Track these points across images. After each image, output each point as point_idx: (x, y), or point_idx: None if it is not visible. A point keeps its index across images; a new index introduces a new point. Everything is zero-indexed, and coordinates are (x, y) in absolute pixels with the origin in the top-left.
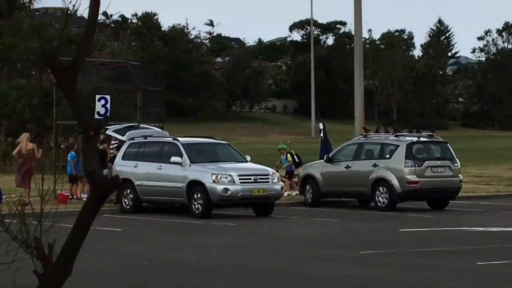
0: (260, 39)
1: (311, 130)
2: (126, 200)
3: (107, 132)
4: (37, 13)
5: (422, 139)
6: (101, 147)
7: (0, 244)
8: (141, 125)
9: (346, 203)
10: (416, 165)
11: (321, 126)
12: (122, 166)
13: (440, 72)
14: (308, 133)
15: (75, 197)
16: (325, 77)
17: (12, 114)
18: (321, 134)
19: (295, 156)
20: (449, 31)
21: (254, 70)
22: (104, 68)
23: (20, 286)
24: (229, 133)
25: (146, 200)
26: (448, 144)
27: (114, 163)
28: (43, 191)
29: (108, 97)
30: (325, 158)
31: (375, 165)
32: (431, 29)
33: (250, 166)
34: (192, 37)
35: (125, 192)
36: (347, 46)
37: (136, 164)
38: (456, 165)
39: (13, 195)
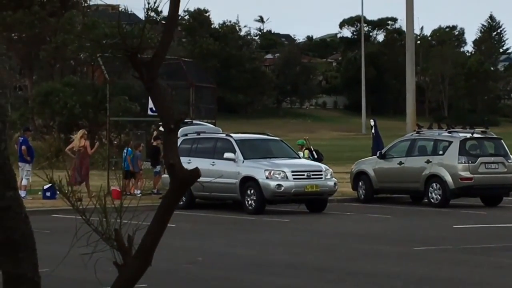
0: (309, 36)
1: (361, 127)
2: None
3: (160, 128)
4: (88, 10)
5: (475, 135)
6: (154, 143)
7: (81, 235)
8: (194, 121)
9: (398, 200)
10: (470, 161)
11: (372, 123)
12: None
13: (492, 68)
14: (358, 130)
15: (128, 193)
16: (376, 74)
17: (63, 110)
18: (373, 131)
19: (314, 152)
20: (500, 27)
21: (304, 67)
22: None
23: (100, 277)
24: (279, 130)
25: (199, 196)
26: (502, 141)
27: None
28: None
29: None
30: (377, 155)
31: (428, 161)
32: (483, 25)
33: (303, 162)
34: (242, 33)
35: None
36: (398, 43)
37: (190, 160)
38: (510, 161)
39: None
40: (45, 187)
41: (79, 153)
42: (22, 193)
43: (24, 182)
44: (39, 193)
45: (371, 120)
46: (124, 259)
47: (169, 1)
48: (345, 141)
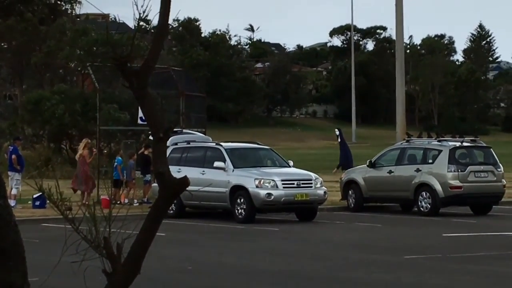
0: (300, 45)
1: (351, 136)
2: None
3: (150, 137)
4: (78, 19)
5: (465, 144)
6: (146, 152)
7: (70, 244)
8: (184, 130)
9: (388, 208)
10: (459, 170)
11: (337, 132)
12: None
13: (482, 77)
14: (348, 139)
15: (118, 202)
16: (366, 83)
17: (53, 119)
18: (339, 140)
19: None
20: (490, 36)
21: (295, 76)
22: None
23: (90, 285)
24: (269, 139)
25: (190, 205)
26: (492, 149)
27: None
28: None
29: None
30: (367, 163)
31: (418, 170)
32: (472, 34)
33: (293, 171)
34: (233, 43)
35: None
36: (388, 51)
37: (180, 169)
38: (499, 170)
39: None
40: (35, 196)
41: (78, 162)
42: (12, 202)
43: (13, 191)
44: (28, 202)
45: (336, 130)
46: (113, 267)
47: (159, 11)
48: (335, 150)
